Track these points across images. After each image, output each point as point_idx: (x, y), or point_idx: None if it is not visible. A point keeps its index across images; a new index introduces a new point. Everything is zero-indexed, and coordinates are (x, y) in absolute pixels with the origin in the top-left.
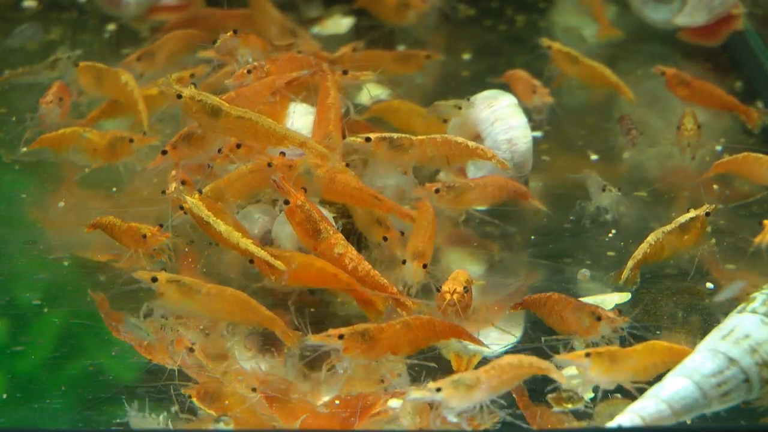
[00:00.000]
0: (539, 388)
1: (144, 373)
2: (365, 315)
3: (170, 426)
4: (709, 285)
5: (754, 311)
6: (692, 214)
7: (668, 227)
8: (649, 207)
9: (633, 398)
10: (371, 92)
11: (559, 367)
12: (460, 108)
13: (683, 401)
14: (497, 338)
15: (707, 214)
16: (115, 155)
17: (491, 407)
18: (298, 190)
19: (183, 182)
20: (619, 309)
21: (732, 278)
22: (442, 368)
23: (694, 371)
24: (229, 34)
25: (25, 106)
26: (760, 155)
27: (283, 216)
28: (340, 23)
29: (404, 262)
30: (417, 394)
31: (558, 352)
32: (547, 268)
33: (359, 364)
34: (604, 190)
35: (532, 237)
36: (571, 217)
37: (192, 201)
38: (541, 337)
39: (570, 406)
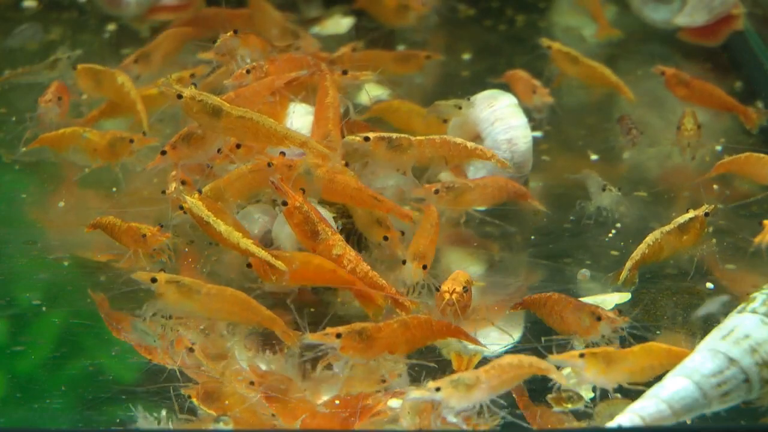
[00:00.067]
0: (539, 388)
1: (144, 373)
2: (365, 314)
3: (170, 426)
4: (709, 285)
5: (754, 311)
6: (691, 214)
7: (667, 228)
8: (649, 207)
9: (633, 398)
10: (371, 92)
11: (559, 368)
12: (460, 108)
13: (683, 401)
14: (497, 338)
15: (706, 214)
16: (115, 155)
17: (491, 407)
18: (296, 190)
19: (183, 182)
20: (619, 309)
21: (732, 278)
22: (442, 368)
23: (694, 371)
24: (229, 34)
25: (25, 106)
26: (762, 155)
27: (282, 216)
28: (340, 23)
29: (404, 262)
30: (416, 393)
31: (557, 352)
32: (547, 268)
33: (357, 362)
34: (604, 190)
35: (532, 237)
36: (571, 217)
37: (192, 201)
38: (541, 337)
39: (570, 406)
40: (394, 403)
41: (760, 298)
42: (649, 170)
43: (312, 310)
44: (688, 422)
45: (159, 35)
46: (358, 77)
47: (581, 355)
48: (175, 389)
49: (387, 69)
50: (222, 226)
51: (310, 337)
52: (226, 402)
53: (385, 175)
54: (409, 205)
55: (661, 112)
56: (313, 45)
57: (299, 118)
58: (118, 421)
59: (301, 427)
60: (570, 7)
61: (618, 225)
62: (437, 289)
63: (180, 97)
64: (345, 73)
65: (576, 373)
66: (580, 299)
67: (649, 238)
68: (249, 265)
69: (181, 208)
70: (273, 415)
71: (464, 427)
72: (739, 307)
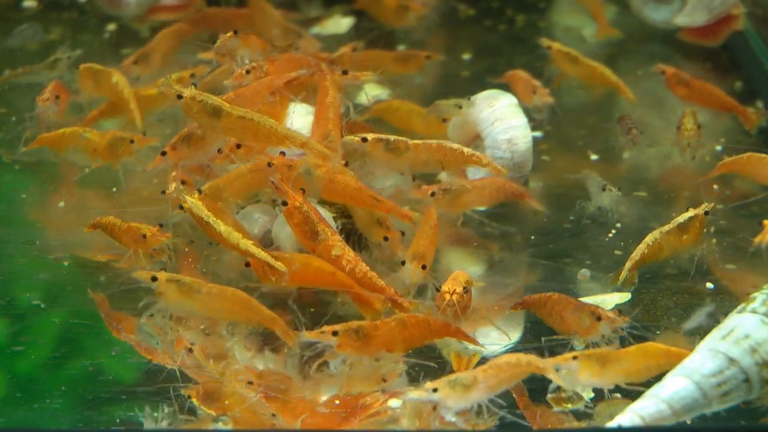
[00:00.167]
0: (539, 388)
1: (144, 373)
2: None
3: (170, 426)
4: (709, 285)
5: (754, 311)
6: (691, 213)
7: (667, 227)
8: (649, 207)
9: (633, 398)
10: (371, 92)
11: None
12: (460, 107)
13: (683, 401)
14: (497, 338)
15: (706, 213)
16: (115, 155)
17: (489, 407)
18: (296, 190)
19: (183, 182)
20: (619, 309)
21: (732, 278)
22: (443, 368)
23: (694, 371)
24: (229, 34)
25: (24, 106)
26: (764, 155)
27: (282, 216)
28: (340, 23)
29: (403, 263)
30: (414, 394)
31: (558, 352)
32: (547, 268)
33: (354, 360)
34: (604, 189)
35: (532, 237)
36: (571, 217)
37: (192, 201)
38: (541, 337)
39: (570, 406)
40: (394, 403)
41: (760, 298)
42: (649, 170)
43: (312, 310)
44: (688, 422)
45: (156, 35)
46: (359, 77)
47: (574, 358)
48: (175, 389)
49: (387, 69)
50: (222, 227)
51: (307, 335)
52: (226, 402)
53: (383, 176)
54: (408, 205)
55: (661, 112)
56: (313, 45)
57: (299, 118)
58: (118, 421)
59: (302, 427)
60: (570, 7)
61: (618, 225)
62: (437, 290)
63: (180, 97)
64: (345, 73)
65: (570, 375)
66: (580, 299)
67: (649, 238)
68: (247, 265)
69: (181, 207)
70: (273, 414)
71: (463, 426)
72: (739, 307)
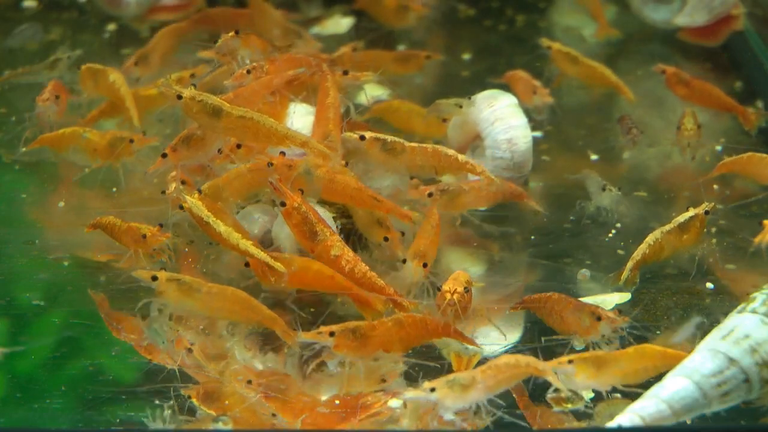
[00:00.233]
0: (539, 388)
1: (144, 373)
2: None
3: (169, 426)
4: (709, 285)
5: (754, 311)
6: (691, 213)
7: (667, 227)
8: (649, 207)
9: (633, 398)
10: (371, 92)
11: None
12: (461, 107)
13: (683, 401)
14: (497, 338)
15: (706, 212)
16: (115, 155)
17: (488, 407)
18: (295, 191)
19: (183, 182)
20: (619, 309)
21: (732, 278)
22: (443, 369)
23: (694, 371)
24: (230, 34)
25: (24, 106)
26: (764, 155)
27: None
28: (340, 23)
29: (404, 261)
30: (412, 394)
31: (558, 353)
32: (547, 268)
33: (351, 361)
34: (604, 189)
35: (532, 237)
36: (571, 217)
37: (192, 201)
38: (541, 337)
39: (570, 406)
40: (394, 403)
41: (760, 298)
42: (649, 170)
43: (312, 309)
44: (688, 422)
45: (155, 36)
46: (359, 78)
47: (570, 361)
48: (175, 389)
49: (387, 69)
50: (221, 227)
51: (304, 336)
52: (226, 402)
53: (380, 176)
54: (406, 206)
55: (661, 112)
56: (313, 46)
57: (300, 118)
58: (118, 421)
59: (302, 427)
60: (570, 7)
61: (618, 225)
62: (438, 289)
63: (180, 97)
64: (346, 73)
65: (566, 379)
66: (580, 299)
67: (650, 238)
68: (247, 265)
69: (181, 207)
70: (273, 414)
71: (461, 426)
72: (739, 307)
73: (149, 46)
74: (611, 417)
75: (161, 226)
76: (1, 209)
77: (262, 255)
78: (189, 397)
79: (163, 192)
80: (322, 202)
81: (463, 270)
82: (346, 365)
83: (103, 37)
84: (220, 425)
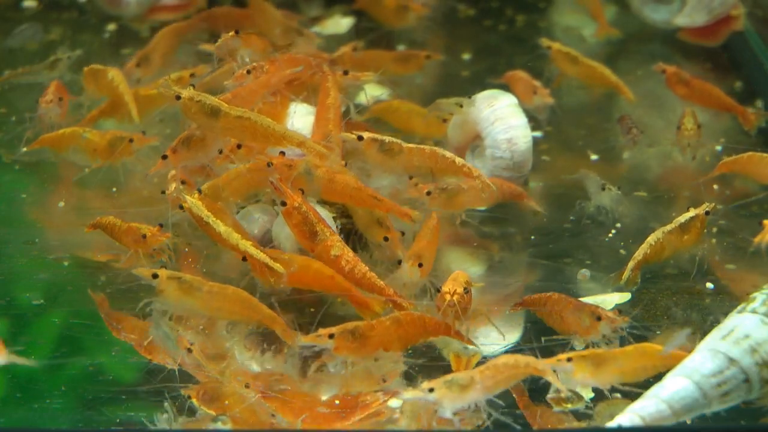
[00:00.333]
0: (539, 388)
1: (144, 373)
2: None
3: (168, 426)
4: (709, 285)
5: (754, 311)
6: (692, 213)
7: (668, 227)
8: (649, 207)
9: (633, 398)
10: (371, 92)
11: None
12: (461, 106)
13: (683, 401)
14: (497, 338)
15: (707, 212)
16: (115, 155)
17: (486, 407)
18: (295, 191)
19: (182, 182)
20: (619, 309)
21: (732, 278)
22: (443, 369)
23: (694, 371)
24: (230, 34)
25: (25, 106)
26: (765, 155)
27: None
28: (340, 23)
29: (400, 262)
30: (410, 394)
31: (558, 352)
32: (547, 268)
33: (352, 362)
34: (603, 189)
35: (532, 237)
36: (571, 217)
37: (192, 201)
38: (541, 337)
39: (570, 406)
40: (394, 403)
41: (760, 298)
42: (649, 170)
43: (312, 309)
44: (688, 422)
45: (155, 36)
46: (360, 78)
47: (569, 359)
48: (175, 389)
49: (387, 69)
50: (221, 227)
51: (303, 340)
52: (226, 402)
53: (379, 175)
54: (405, 205)
55: (661, 112)
56: (315, 42)
57: (300, 118)
58: (118, 421)
59: (302, 427)
60: (570, 7)
61: (618, 225)
62: (437, 290)
63: (178, 98)
64: (346, 73)
65: (565, 377)
66: (580, 299)
67: (651, 238)
68: (244, 259)
69: (181, 207)
70: (273, 414)
71: (460, 426)
72: (739, 307)
73: (150, 46)
74: (611, 417)
75: (161, 226)
76: (1, 209)
77: (261, 255)
78: (189, 397)
79: (163, 192)
80: (322, 202)
81: (463, 270)
82: (348, 366)
83: (103, 37)
84: (219, 425)
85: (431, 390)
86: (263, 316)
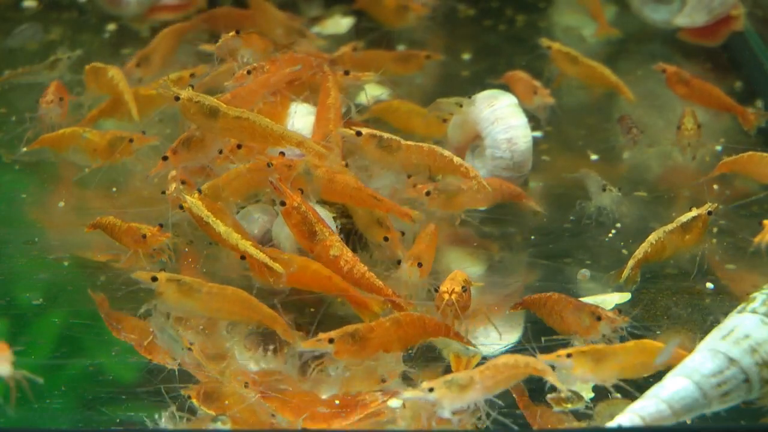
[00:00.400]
0: (539, 388)
1: (144, 373)
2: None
3: (168, 426)
4: (709, 285)
5: (754, 311)
6: (694, 213)
7: (670, 226)
8: (649, 207)
9: (633, 398)
10: (371, 92)
11: (555, 369)
12: (461, 105)
13: (683, 401)
14: (497, 338)
15: (709, 213)
16: (115, 155)
17: (485, 407)
18: (295, 191)
19: (182, 182)
20: (619, 309)
21: (732, 278)
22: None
23: (694, 371)
24: (231, 34)
25: (25, 106)
26: (765, 154)
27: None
28: (340, 23)
29: (399, 262)
30: (410, 394)
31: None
32: (547, 268)
33: (353, 365)
34: (604, 189)
35: (532, 237)
36: (571, 217)
37: (192, 200)
38: (541, 337)
39: (570, 406)
40: (394, 403)
41: (760, 298)
42: (649, 170)
43: (312, 309)
44: (688, 422)
45: (156, 36)
46: (360, 78)
47: (568, 355)
48: (175, 389)
49: (387, 69)
50: (221, 227)
51: (303, 345)
52: (226, 402)
53: (378, 175)
54: (405, 205)
55: (661, 112)
56: (317, 44)
57: (301, 118)
58: (118, 421)
59: (302, 427)
60: (570, 7)
61: (618, 225)
62: (436, 290)
63: (177, 98)
64: (347, 73)
65: (565, 373)
66: (580, 299)
67: (652, 237)
68: (243, 257)
69: (181, 207)
70: (273, 414)
71: (459, 426)
72: (739, 307)
73: (151, 46)
74: (611, 417)
75: (161, 226)
76: (1, 209)
77: (261, 255)
78: (189, 397)
79: (163, 192)
80: (322, 202)
81: (463, 270)
82: (348, 368)
83: (103, 37)
84: (219, 425)
85: (431, 390)
86: (263, 316)
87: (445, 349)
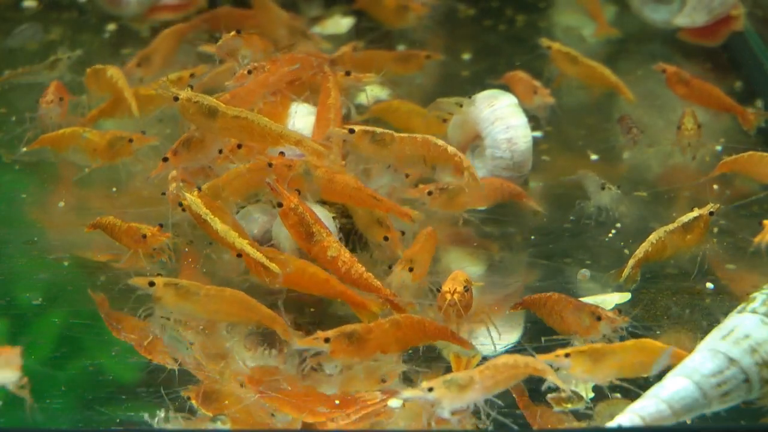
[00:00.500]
0: (539, 388)
1: (144, 373)
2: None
3: (168, 426)
4: (709, 285)
5: (754, 311)
6: (695, 213)
7: (671, 226)
8: (649, 207)
9: (633, 398)
10: (371, 92)
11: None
12: (461, 105)
13: (683, 401)
14: (497, 339)
15: (711, 213)
16: (115, 155)
17: (485, 407)
18: (292, 191)
19: (182, 181)
20: (619, 309)
21: (732, 278)
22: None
23: (694, 371)
24: (231, 34)
25: (25, 106)
26: (765, 154)
27: None
28: (340, 23)
29: (390, 266)
30: (410, 393)
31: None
32: (547, 268)
33: (349, 365)
34: (603, 188)
35: (532, 237)
36: (571, 217)
37: (191, 198)
38: (541, 337)
39: (570, 406)
40: (394, 403)
41: (760, 298)
42: (649, 170)
43: (312, 309)
44: (688, 422)
45: (157, 37)
46: (361, 79)
47: (567, 355)
48: (175, 389)
49: (387, 69)
50: (219, 225)
51: (299, 343)
52: (225, 402)
53: (377, 174)
54: (405, 205)
55: (661, 112)
56: (320, 45)
57: (301, 118)
58: (118, 421)
59: (302, 427)
60: (570, 7)
61: (618, 225)
62: (437, 290)
63: (176, 99)
64: (348, 74)
65: (564, 373)
66: (580, 299)
67: (653, 237)
68: (239, 255)
69: (181, 205)
70: (272, 414)
71: (458, 426)
72: (739, 307)
73: (152, 46)
74: (611, 417)
75: (161, 226)
76: (1, 209)
77: (257, 255)
78: (188, 398)
79: (164, 193)
80: (322, 202)
81: (463, 270)
82: (345, 369)
83: (103, 37)
84: (218, 425)
85: (430, 389)
86: (262, 316)
87: (445, 349)
